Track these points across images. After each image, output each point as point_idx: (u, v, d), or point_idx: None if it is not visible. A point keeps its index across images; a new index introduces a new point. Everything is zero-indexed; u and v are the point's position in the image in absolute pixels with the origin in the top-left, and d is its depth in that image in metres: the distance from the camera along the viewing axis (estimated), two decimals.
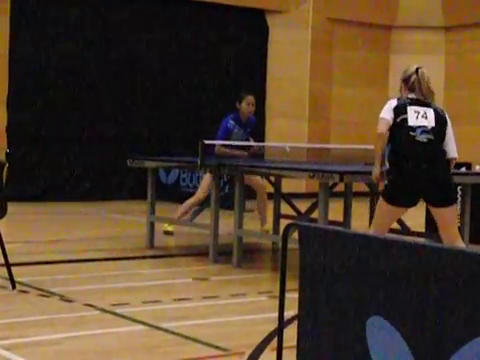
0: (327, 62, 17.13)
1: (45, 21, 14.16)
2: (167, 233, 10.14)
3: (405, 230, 8.17)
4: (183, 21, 15.46)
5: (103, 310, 5.85)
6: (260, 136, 15.37)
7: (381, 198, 5.93)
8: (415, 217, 9.50)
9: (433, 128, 5.86)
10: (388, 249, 2.91)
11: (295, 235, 3.44)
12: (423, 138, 5.82)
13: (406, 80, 6.07)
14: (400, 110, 5.89)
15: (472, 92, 16.80)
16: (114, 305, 5.99)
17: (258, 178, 9.47)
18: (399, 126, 5.86)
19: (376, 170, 6.07)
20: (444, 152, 5.92)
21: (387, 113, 5.92)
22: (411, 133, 5.82)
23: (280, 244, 5.06)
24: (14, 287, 6.43)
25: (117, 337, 5.17)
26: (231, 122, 9.46)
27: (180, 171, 14.67)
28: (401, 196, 5.85)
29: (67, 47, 14.33)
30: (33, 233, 10.28)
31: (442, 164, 5.90)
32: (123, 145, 14.54)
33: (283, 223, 8.33)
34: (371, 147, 10.38)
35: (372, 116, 17.59)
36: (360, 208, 9.31)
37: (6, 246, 6.46)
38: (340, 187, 8.44)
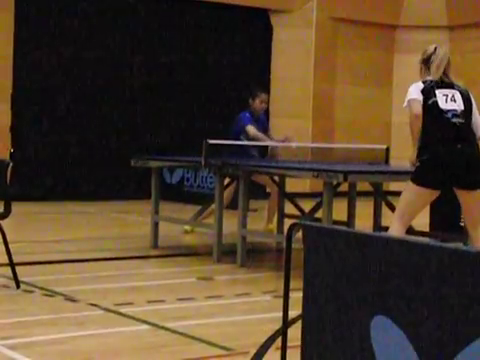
0: (331, 61, 17.11)
1: (49, 22, 14.17)
2: (186, 232, 10.20)
3: (409, 229, 8.16)
4: (186, 21, 15.46)
5: (107, 310, 5.85)
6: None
7: (410, 183, 5.84)
8: (419, 216, 9.47)
9: (463, 111, 5.85)
10: (392, 248, 2.90)
11: (299, 235, 3.44)
12: (455, 121, 5.80)
13: (426, 61, 6.05)
14: (428, 93, 5.84)
15: (476, 91, 16.77)
16: (118, 305, 6.00)
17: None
18: (430, 109, 5.81)
19: (413, 151, 5.95)
20: (474, 134, 5.91)
21: (417, 94, 5.86)
22: (444, 116, 5.78)
23: (284, 244, 5.06)
24: (18, 287, 6.44)
25: (121, 337, 5.17)
26: (247, 115, 9.57)
27: (184, 171, 14.67)
28: (433, 177, 5.77)
29: (71, 47, 14.35)
30: (37, 233, 10.29)
31: (475, 146, 5.87)
32: (127, 144, 14.56)
33: (287, 223, 8.33)
34: (375, 146, 10.42)
35: (376, 115, 17.72)
36: (364, 208, 9.30)
37: (10, 246, 6.46)
38: (344, 187, 8.44)
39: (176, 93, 15.36)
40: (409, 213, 5.96)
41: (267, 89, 16.38)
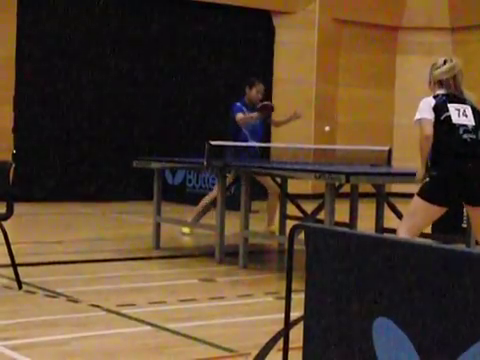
0: (333, 63, 17.12)
1: (52, 22, 14.19)
2: (184, 234, 10.20)
3: None
4: (189, 22, 15.47)
5: (109, 311, 5.85)
6: (267, 136, 15.36)
7: (418, 198, 5.78)
8: None
9: (474, 127, 5.79)
10: (394, 250, 2.90)
11: (301, 236, 3.44)
12: (466, 137, 5.76)
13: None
14: (441, 108, 5.78)
15: (478, 93, 16.78)
16: (120, 306, 6.00)
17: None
18: (443, 124, 5.75)
19: (422, 172, 5.90)
20: None
21: (427, 113, 5.78)
22: (456, 131, 5.75)
23: (286, 245, 5.06)
24: (20, 287, 6.44)
25: (123, 338, 5.17)
26: (238, 104, 9.54)
27: (186, 172, 14.67)
28: (442, 194, 5.72)
29: (73, 49, 14.36)
30: (39, 233, 10.29)
31: None
32: (129, 145, 14.57)
33: (289, 224, 8.32)
34: (377, 148, 10.41)
35: (378, 117, 17.71)
36: (366, 209, 9.30)
37: (12, 246, 6.47)
38: (346, 188, 8.43)
39: (178, 94, 15.36)
40: (416, 227, 5.89)
41: (269, 90, 16.40)
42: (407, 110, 18.76)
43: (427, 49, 17.65)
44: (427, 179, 5.79)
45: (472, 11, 16.93)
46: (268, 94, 16.29)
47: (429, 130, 5.77)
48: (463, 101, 5.89)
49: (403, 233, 5.88)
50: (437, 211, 5.82)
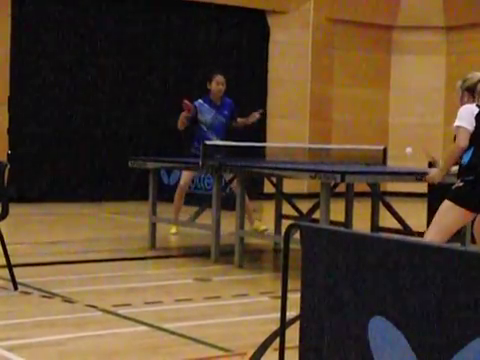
0: (328, 62, 17.13)
1: (46, 23, 14.17)
2: (172, 234, 10.20)
3: (407, 230, 8.17)
4: (183, 22, 15.46)
5: (105, 311, 5.85)
6: (261, 136, 15.39)
7: (449, 202, 5.71)
8: (417, 217, 9.50)
9: None
10: (390, 249, 2.91)
11: (297, 235, 3.44)
12: None
13: (470, 89, 5.96)
14: None
15: None
16: (116, 306, 6.00)
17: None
18: None
19: (440, 175, 5.90)
20: None
21: (468, 122, 5.72)
22: None
23: (282, 244, 5.07)
24: (16, 288, 6.44)
25: (119, 338, 5.17)
26: (199, 101, 9.50)
27: (181, 172, 14.63)
28: (478, 199, 5.65)
29: (68, 49, 14.35)
30: (35, 234, 10.28)
31: None
32: (124, 146, 14.55)
33: (285, 224, 8.34)
34: (372, 147, 10.41)
35: (373, 116, 17.71)
36: (361, 208, 9.31)
37: (8, 247, 6.46)
38: (341, 187, 8.44)
39: (173, 94, 15.34)
40: (444, 232, 5.79)
41: (264, 90, 16.42)
42: (402, 109, 18.86)
43: (421, 48, 17.67)
44: (460, 184, 5.73)
45: (466, 10, 16.95)
46: (263, 94, 16.36)
47: (464, 142, 5.70)
48: None
49: (431, 237, 5.73)
50: (468, 216, 5.76)
